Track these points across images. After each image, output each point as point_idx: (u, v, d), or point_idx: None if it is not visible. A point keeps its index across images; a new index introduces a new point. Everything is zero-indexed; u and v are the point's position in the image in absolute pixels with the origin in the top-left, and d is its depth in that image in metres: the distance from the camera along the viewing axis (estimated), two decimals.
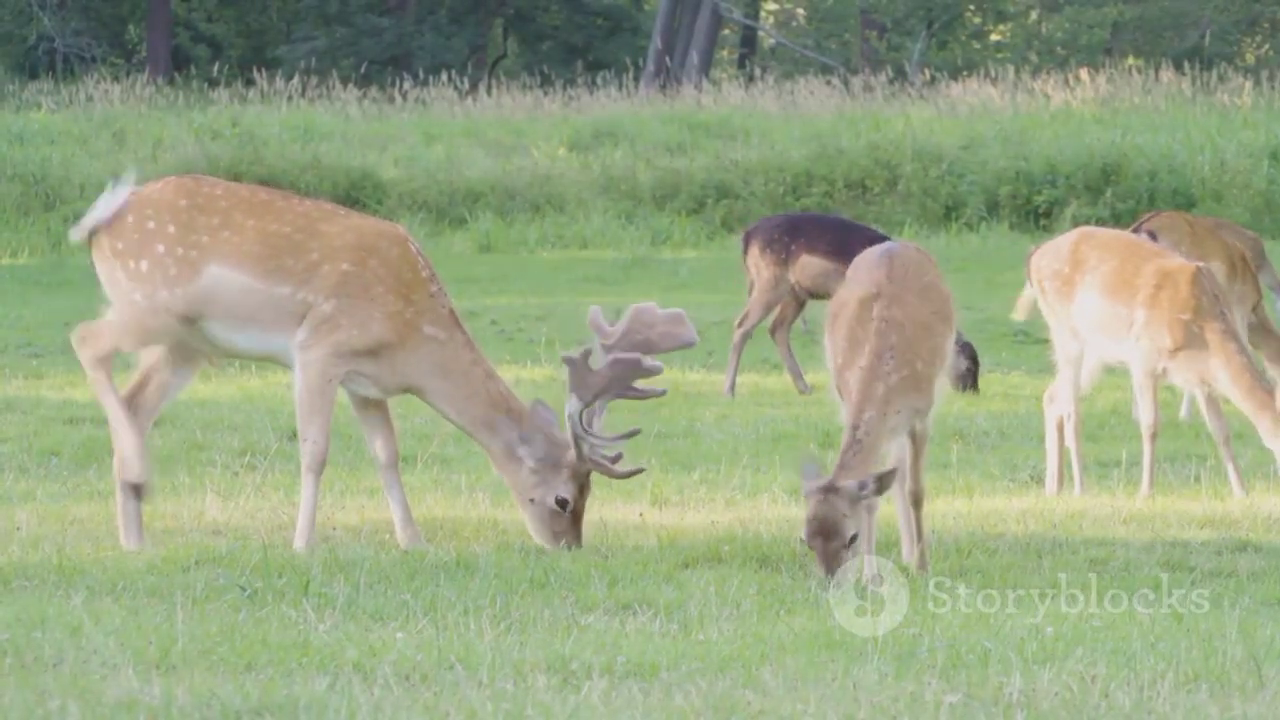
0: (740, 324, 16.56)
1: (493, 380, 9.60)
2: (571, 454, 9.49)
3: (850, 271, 9.41)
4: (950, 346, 9.34)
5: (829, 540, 8.61)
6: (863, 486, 8.60)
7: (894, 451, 9.28)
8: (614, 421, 9.93)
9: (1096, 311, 11.53)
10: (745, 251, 16.84)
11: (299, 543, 9.39)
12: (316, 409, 9.47)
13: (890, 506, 9.50)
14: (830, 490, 8.61)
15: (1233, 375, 11.20)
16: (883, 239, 16.55)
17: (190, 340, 9.58)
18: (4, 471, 11.56)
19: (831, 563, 8.61)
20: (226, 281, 9.44)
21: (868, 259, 9.27)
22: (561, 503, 9.53)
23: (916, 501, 9.20)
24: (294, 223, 9.53)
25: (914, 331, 8.97)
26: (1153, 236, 14.85)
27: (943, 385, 9.25)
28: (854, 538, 8.62)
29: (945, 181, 29.92)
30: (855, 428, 8.77)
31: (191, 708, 6.47)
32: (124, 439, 9.48)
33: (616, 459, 9.61)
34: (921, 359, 8.96)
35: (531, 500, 9.58)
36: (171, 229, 9.48)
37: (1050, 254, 11.86)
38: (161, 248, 9.47)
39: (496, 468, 9.71)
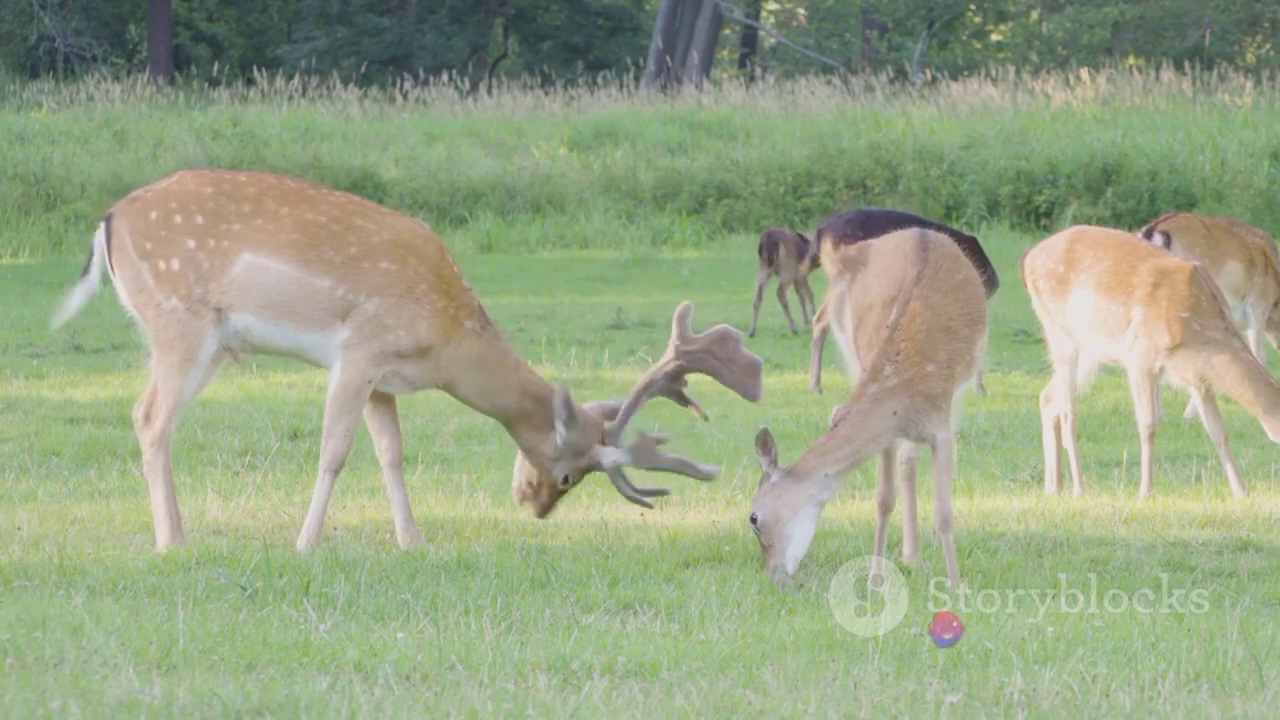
0: (819, 319, 16.54)
1: (522, 368, 9.62)
2: (600, 450, 9.53)
3: (879, 257, 9.17)
4: (979, 350, 9.12)
5: (753, 521, 8.76)
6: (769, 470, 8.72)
7: (907, 454, 9.22)
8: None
9: (1091, 310, 11.51)
10: (819, 249, 16.82)
11: (302, 542, 9.37)
12: (348, 410, 9.41)
13: (897, 505, 9.50)
14: (763, 479, 8.76)
15: (1241, 374, 11.17)
16: (967, 238, 16.54)
17: (228, 340, 9.49)
18: (5, 471, 11.56)
19: (764, 548, 8.74)
20: (262, 270, 9.35)
21: (901, 250, 9.05)
22: (566, 479, 9.60)
23: (944, 524, 8.82)
24: (329, 213, 9.44)
25: (932, 333, 8.81)
26: (1166, 238, 14.82)
27: (962, 391, 9.07)
28: (752, 518, 8.71)
29: (946, 181, 29.93)
30: (837, 422, 8.76)
31: (192, 707, 6.47)
32: (162, 527, 9.44)
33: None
34: (935, 361, 8.79)
35: (548, 456, 9.57)
36: (200, 220, 9.37)
37: (1044, 253, 11.84)
38: (192, 242, 9.36)
39: (524, 449, 9.67)
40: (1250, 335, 15.12)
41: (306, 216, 9.37)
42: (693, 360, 9.57)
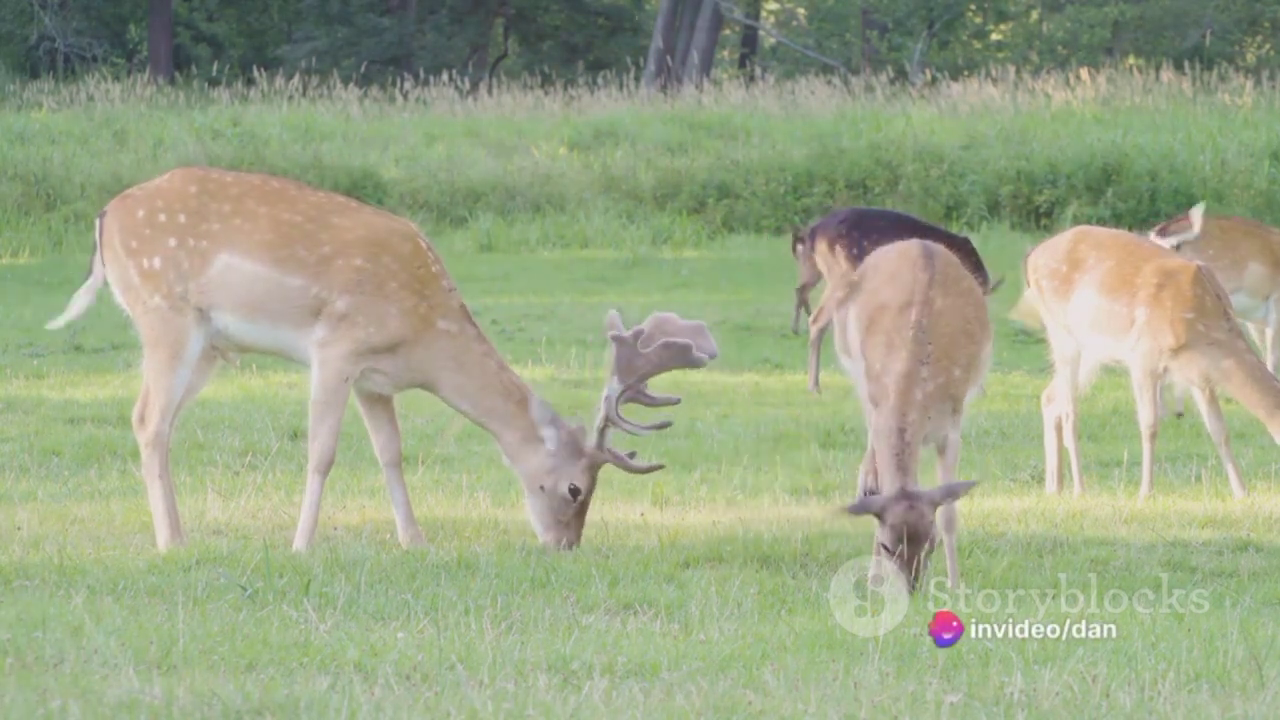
0: (815, 320, 16.54)
1: (505, 372, 9.60)
2: (591, 443, 9.48)
3: (885, 263, 9.15)
4: (986, 355, 9.15)
5: (918, 546, 8.47)
6: (947, 494, 8.52)
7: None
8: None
9: (1095, 310, 11.51)
10: (812, 248, 16.79)
11: (299, 542, 9.37)
12: (329, 408, 9.42)
13: None
14: (914, 497, 8.47)
15: (1245, 376, 11.16)
16: (960, 239, 16.55)
17: (212, 338, 9.50)
18: (5, 471, 11.56)
19: (919, 569, 8.49)
20: (238, 270, 9.37)
21: (905, 256, 9.04)
22: (574, 490, 9.49)
23: (949, 525, 8.81)
24: (305, 212, 9.46)
25: (953, 338, 8.82)
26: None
27: (974, 394, 9.08)
28: (939, 543, 8.54)
29: (946, 181, 29.92)
30: (902, 431, 8.61)
31: (193, 707, 6.47)
32: (161, 526, 9.42)
33: (633, 455, 9.62)
34: (959, 365, 8.83)
35: (542, 487, 9.53)
36: (182, 219, 9.40)
37: (1047, 253, 11.84)
38: (173, 241, 9.39)
39: (508, 457, 9.65)
40: (1269, 334, 15.13)
41: (283, 216, 9.41)
42: (641, 378, 9.55)
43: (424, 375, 9.54)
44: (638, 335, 9.46)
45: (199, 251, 9.37)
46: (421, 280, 9.48)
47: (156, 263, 9.37)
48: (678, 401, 9.76)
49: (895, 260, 9.11)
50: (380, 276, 9.40)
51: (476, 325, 9.62)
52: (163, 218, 9.39)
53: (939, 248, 9.13)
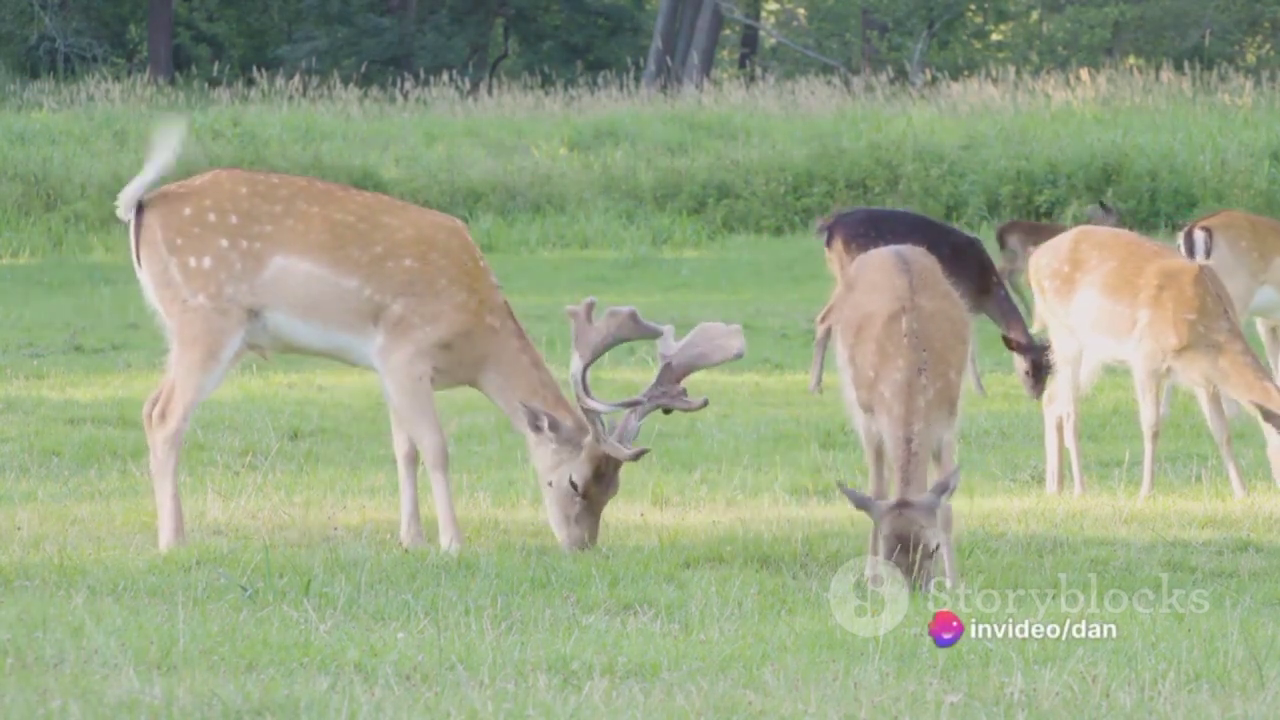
0: (823, 319, 16.50)
1: (537, 369, 9.62)
2: (589, 436, 9.49)
3: (862, 274, 9.24)
4: (972, 352, 9.27)
5: (911, 553, 8.52)
6: (939, 492, 8.58)
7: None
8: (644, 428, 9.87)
9: (1097, 311, 11.51)
10: (828, 246, 16.72)
11: (445, 540, 9.38)
12: (418, 408, 9.45)
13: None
14: (905, 505, 8.55)
15: (1239, 376, 11.16)
16: (968, 240, 16.49)
17: (252, 337, 9.48)
18: (5, 471, 11.56)
19: (917, 575, 8.53)
20: (294, 272, 9.36)
21: (881, 266, 9.12)
22: (573, 483, 9.49)
23: (945, 524, 8.83)
24: (356, 212, 9.48)
25: (944, 342, 8.89)
26: (1208, 234, 14.75)
27: (963, 393, 9.16)
28: (936, 548, 8.58)
29: (946, 181, 29.92)
30: (908, 441, 8.67)
31: (193, 707, 6.47)
32: (167, 525, 9.41)
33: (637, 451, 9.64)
34: (953, 368, 8.91)
35: (550, 484, 9.56)
36: (234, 219, 9.38)
37: (1049, 253, 11.84)
38: (225, 241, 9.36)
39: (530, 455, 9.70)
40: None
41: (335, 217, 9.43)
42: (679, 362, 9.58)
43: (470, 371, 9.61)
44: (590, 307, 9.49)
45: (253, 253, 9.35)
46: (471, 275, 9.54)
47: (206, 262, 9.33)
48: (704, 404, 9.71)
49: (872, 270, 9.21)
50: (430, 275, 9.44)
51: (517, 321, 9.67)
52: (212, 217, 9.36)
53: (913, 253, 9.22)
